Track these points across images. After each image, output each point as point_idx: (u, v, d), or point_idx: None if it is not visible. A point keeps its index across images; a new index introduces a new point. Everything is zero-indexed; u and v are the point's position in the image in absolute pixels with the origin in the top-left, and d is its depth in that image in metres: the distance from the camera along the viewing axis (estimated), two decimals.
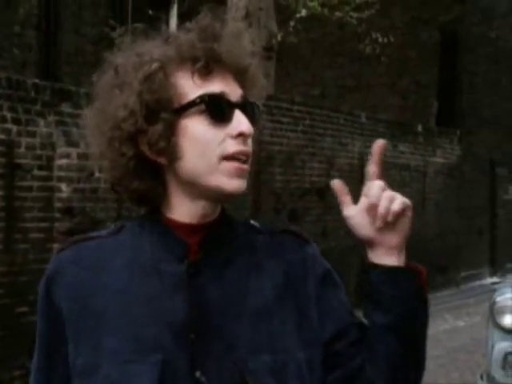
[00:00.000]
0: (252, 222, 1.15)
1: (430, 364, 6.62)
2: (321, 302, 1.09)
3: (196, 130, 1.04)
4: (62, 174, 5.53)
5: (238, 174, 1.04)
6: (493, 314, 4.31)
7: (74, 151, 5.57)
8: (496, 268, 11.52)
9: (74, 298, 1.06)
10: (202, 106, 1.04)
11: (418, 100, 11.74)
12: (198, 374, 1.01)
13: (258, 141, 1.11)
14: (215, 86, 1.05)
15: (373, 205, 1.03)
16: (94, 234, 1.13)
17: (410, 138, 10.20)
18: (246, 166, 1.05)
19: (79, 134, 5.62)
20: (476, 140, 12.16)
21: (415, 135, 10.37)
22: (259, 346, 1.04)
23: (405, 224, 1.05)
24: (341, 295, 1.12)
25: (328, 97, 12.41)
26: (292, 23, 7.48)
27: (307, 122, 8.45)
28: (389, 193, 1.03)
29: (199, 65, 1.03)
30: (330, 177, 7.57)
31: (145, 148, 1.05)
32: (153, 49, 1.06)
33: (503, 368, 4.21)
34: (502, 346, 4.24)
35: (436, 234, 10.74)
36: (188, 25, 1.08)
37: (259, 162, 7.18)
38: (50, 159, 5.47)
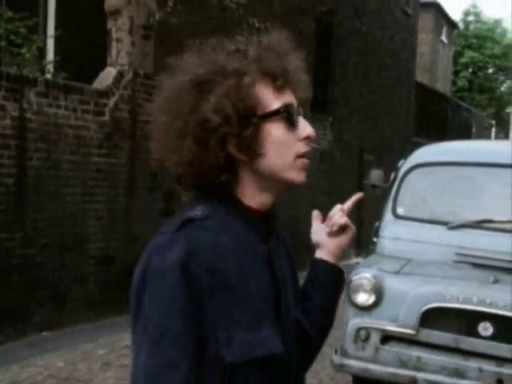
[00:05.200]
0: None
1: None
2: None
3: (277, 133, 1.24)
4: None
5: (305, 169, 1.29)
6: (348, 291, 4.44)
7: None
8: (361, 249, 12.11)
9: (211, 274, 1.18)
10: (283, 114, 1.24)
11: None
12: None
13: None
14: (287, 98, 1.26)
15: (329, 217, 1.46)
16: (193, 215, 1.23)
17: None
18: (308, 162, 1.30)
19: None
20: (346, 128, 12.68)
21: None
22: (295, 300, 1.36)
23: (345, 239, 1.45)
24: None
25: None
26: (170, 3, 7.47)
27: None
28: (341, 213, 1.44)
29: (280, 82, 1.24)
30: None
31: (232, 147, 1.22)
32: (231, 61, 1.23)
33: (355, 342, 4.38)
34: (355, 321, 4.40)
35: (307, 215, 11.11)
36: (261, 39, 1.27)
37: (135, 140, 7.17)
38: None
